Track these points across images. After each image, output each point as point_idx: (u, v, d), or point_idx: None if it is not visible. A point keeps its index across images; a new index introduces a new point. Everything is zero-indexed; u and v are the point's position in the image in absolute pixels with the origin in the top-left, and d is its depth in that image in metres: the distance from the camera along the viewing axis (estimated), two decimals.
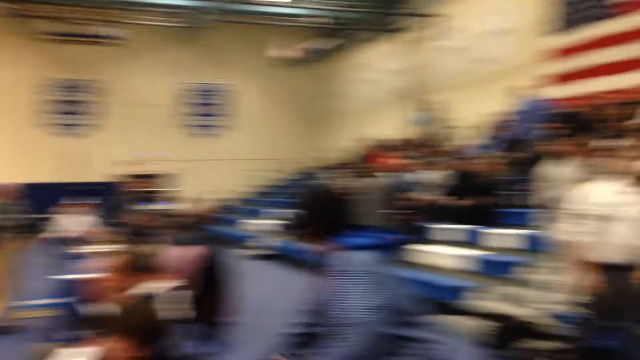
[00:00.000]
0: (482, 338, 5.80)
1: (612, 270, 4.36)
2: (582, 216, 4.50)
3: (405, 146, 11.96)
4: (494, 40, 13.10)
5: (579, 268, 4.58)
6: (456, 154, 10.01)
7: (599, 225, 4.38)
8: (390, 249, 2.12)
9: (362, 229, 2.13)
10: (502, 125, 10.19)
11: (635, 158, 4.42)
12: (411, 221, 8.76)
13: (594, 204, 4.44)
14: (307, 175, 16.87)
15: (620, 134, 6.46)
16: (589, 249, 4.43)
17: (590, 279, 4.47)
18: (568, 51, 9.59)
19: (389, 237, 2.16)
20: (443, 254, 8.22)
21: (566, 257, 5.13)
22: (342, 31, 18.27)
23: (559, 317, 5.57)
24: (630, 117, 7.15)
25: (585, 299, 4.96)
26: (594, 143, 6.27)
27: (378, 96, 17.56)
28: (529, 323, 5.72)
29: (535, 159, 7.23)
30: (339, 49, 19.06)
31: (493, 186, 8.43)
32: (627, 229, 4.34)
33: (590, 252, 4.43)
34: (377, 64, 17.76)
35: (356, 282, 1.92)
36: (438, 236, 8.76)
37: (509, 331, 5.64)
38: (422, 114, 13.02)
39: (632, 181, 4.39)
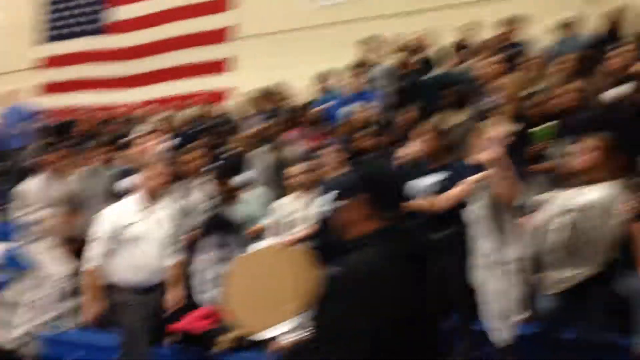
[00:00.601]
0: None
1: (132, 293, 4.15)
2: (97, 239, 4.20)
3: None
4: None
5: (90, 290, 4.25)
6: None
7: (116, 245, 4.17)
8: None
9: None
10: None
11: (152, 177, 4.26)
12: None
13: (107, 225, 4.19)
14: None
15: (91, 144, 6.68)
16: (105, 271, 4.18)
17: (101, 303, 4.19)
18: (58, 62, 9.50)
19: None
20: None
21: (80, 279, 4.79)
22: None
23: (41, 337, 5.37)
24: (114, 132, 7.46)
25: (90, 322, 4.67)
26: (80, 155, 6.34)
27: None
28: (6, 347, 5.34)
29: (19, 171, 6.88)
30: None
31: None
32: (147, 247, 4.19)
33: (106, 274, 4.19)
34: None
35: None
36: None
37: None
38: None
39: (147, 199, 4.28)
